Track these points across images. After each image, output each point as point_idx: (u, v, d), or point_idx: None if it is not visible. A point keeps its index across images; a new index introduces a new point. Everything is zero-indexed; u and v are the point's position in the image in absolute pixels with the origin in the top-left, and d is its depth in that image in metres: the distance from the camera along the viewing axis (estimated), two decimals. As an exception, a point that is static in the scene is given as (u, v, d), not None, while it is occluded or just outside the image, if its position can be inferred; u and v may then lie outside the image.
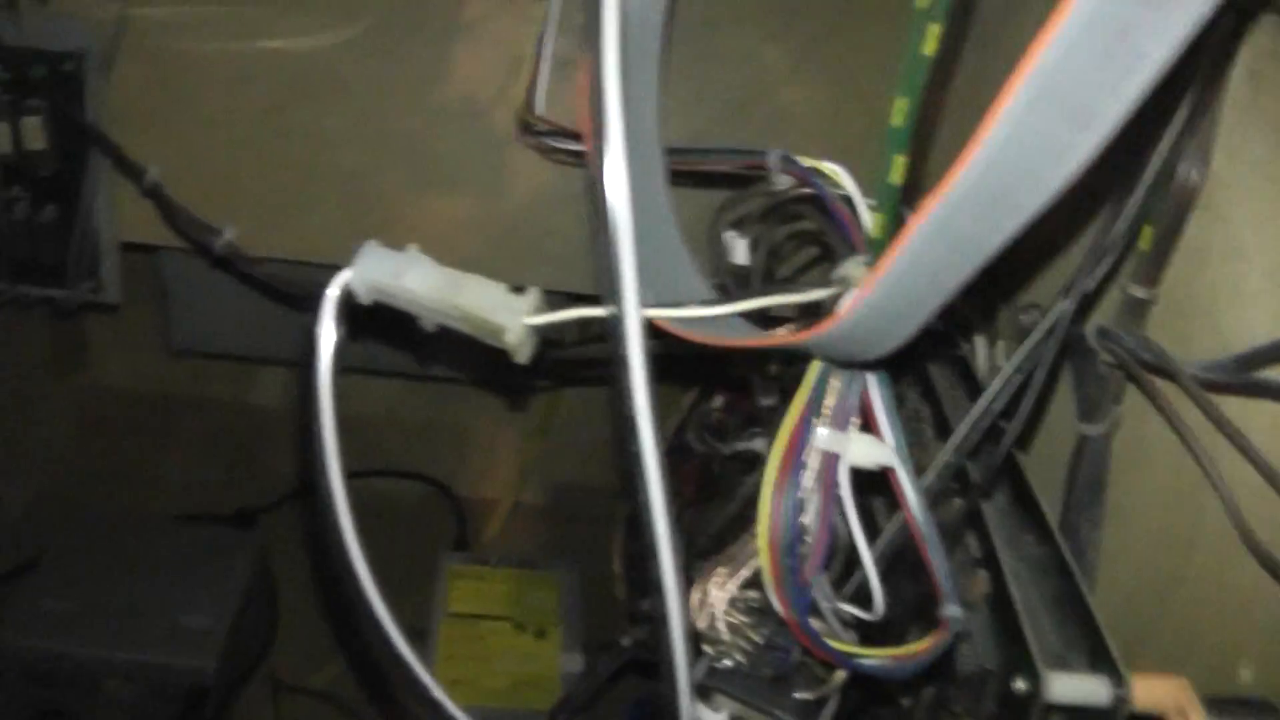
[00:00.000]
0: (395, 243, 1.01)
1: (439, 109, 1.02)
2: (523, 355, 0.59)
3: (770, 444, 0.58)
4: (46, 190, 1.01)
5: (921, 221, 0.42)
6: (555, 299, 0.59)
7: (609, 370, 0.50)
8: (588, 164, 0.52)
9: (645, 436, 0.49)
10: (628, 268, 0.50)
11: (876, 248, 0.61)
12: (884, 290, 0.46)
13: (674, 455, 1.08)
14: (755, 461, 0.85)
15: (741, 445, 0.90)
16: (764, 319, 0.62)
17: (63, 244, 1.02)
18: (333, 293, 0.58)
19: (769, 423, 0.77)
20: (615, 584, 1.34)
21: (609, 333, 0.50)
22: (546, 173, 1.01)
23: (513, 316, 0.58)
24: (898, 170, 0.56)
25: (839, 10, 0.99)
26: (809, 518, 0.59)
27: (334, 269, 1.02)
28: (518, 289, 0.60)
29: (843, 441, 0.58)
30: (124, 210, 1.03)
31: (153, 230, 1.03)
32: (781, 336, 0.59)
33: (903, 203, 0.58)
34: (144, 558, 1.27)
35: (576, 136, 0.74)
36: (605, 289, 0.49)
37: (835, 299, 0.59)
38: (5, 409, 1.45)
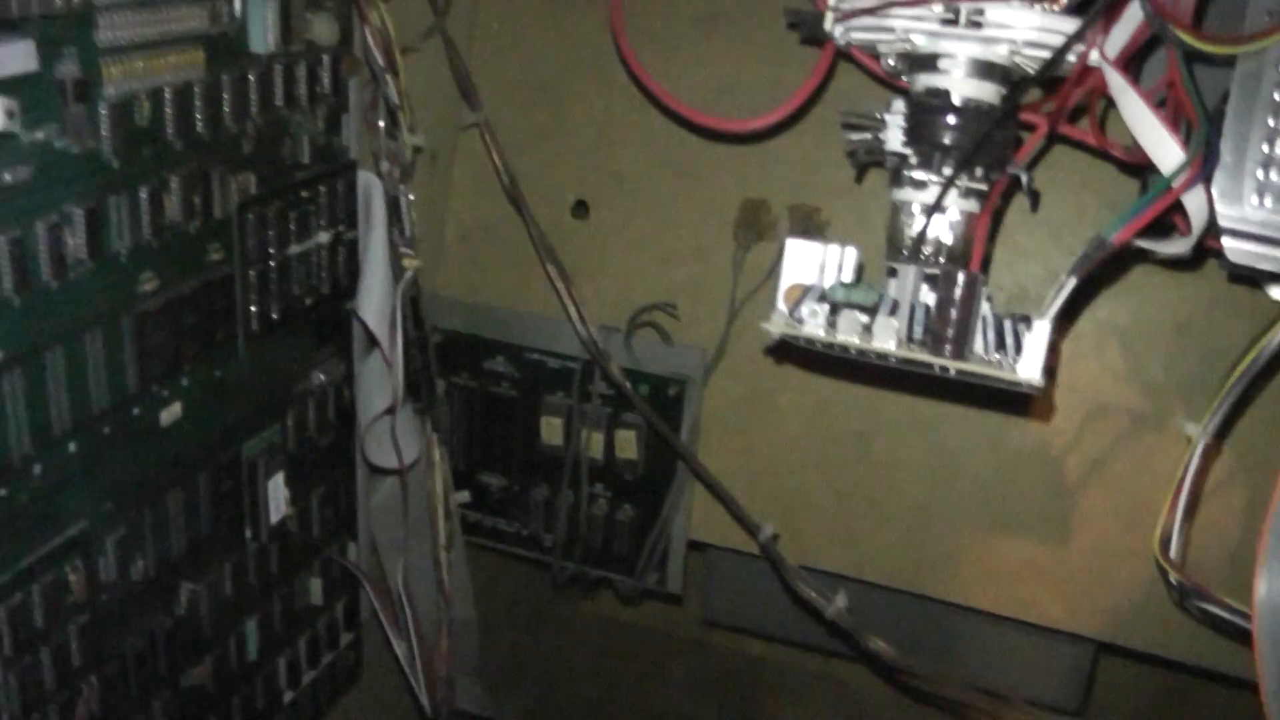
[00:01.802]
0: (954, 575, 1.03)
1: (1014, 452, 0.99)
2: None
3: None
4: (628, 492, 1.05)
5: None
6: None
7: None
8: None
9: None
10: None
11: None
12: None
13: None
14: None
15: None
16: None
17: (636, 540, 1.06)
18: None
19: None
20: None
21: None
22: (1110, 525, 0.97)
23: None
24: None
25: None
26: None
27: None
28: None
29: None
30: (695, 512, 1.06)
31: (719, 533, 1.06)
32: None
33: None
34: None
35: (1223, 604, 0.68)
36: None
37: None
38: (522, 625, 1.52)
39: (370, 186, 0.84)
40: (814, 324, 0.66)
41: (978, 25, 0.66)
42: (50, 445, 0.62)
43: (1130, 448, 0.96)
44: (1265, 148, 0.66)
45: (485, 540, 1.10)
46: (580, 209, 1.05)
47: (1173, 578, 0.71)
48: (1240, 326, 0.88)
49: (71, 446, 0.64)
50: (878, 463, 1.02)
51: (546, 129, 1.05)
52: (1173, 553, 0.72)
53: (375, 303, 0.83)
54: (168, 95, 0.66)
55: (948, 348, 0.64)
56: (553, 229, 1.02)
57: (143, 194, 0.65)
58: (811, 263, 0.69)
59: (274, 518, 0.83)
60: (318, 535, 0.90)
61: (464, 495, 1.06)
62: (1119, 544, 0.97)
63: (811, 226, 0.99)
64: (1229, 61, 0.66)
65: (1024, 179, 0.69)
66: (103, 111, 0.62)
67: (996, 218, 0.80)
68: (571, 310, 0.96)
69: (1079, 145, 0.79)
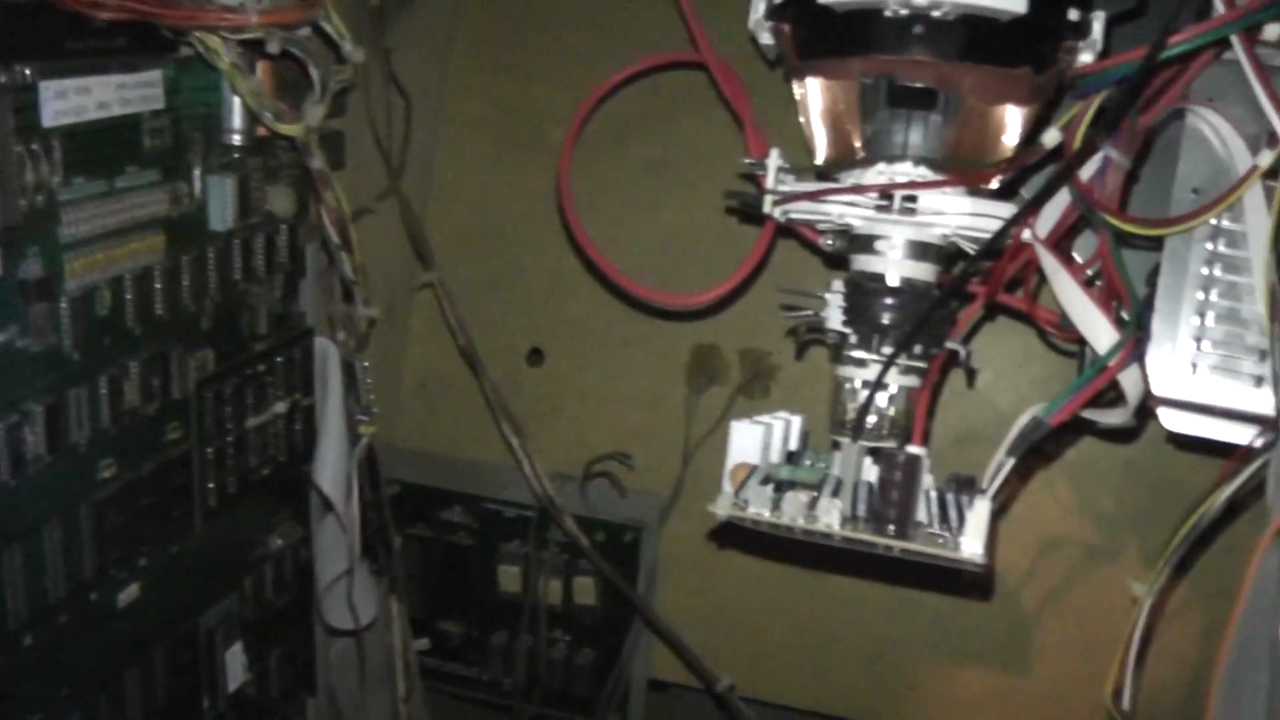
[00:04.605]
0: (915, 707, 1.03)
1: (970, 585, 1.00)
2: None
3: None
4: (587, 636, 1.06)
5: None
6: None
7: None
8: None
9: None
10: None
11: None
12: None
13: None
14: None
15: None
16: None
17: (596, 682, 1.06)
18: None
19: None
20: None
21: None
22: (1068, 655, 0.99)
23: None
24: None
25: None
26: None
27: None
28: None
29: None
30: (657, 652, 1.06)
31: (680, 673, 1.06)
32: None
33: None
34: None
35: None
36: None
37: None
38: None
39: (327, 353, 0.85)
40: (759, 505, 0.67)
41: (911, 211, 0.68)
42: (5, 640, 0.62)
43: (1084, 579, 0.98)
44: (1196, 321, 0.69)
45: (446, 686, 1.10)
46: (535, 357, 1.07)
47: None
48: (1188, 460, 0.90)
49: (28, 640, 0.63)
50: (836, 597, 1.03)
51: (501, 278, 1.07)
52: (1125, 705, 0.73)
53: (331, 469, 0.84)
54: (128, 282, 0.67)
55: (890, 528, 0.65)
56: (508, 377, 1.04)
57: (102, 383, 0.66)
58: (756, 441, 0.70)
59: (232, 686, 0.82)
60: (276, 696, 0.89)
61: (423, 643, 1.06)
62: (1077, 673, 0.98)
63: (762, 371, 1.01)
64: (1158, 241, 0.69)
65: (962, 354, 0.71)
66: (64, 306, 0.62)
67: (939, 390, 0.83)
68: (524, 462, 0.97)
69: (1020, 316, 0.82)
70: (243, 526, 0.82)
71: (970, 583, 0.99)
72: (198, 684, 0.79)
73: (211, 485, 0.76)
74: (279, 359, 0.81)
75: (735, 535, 1.01)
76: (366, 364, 0.86)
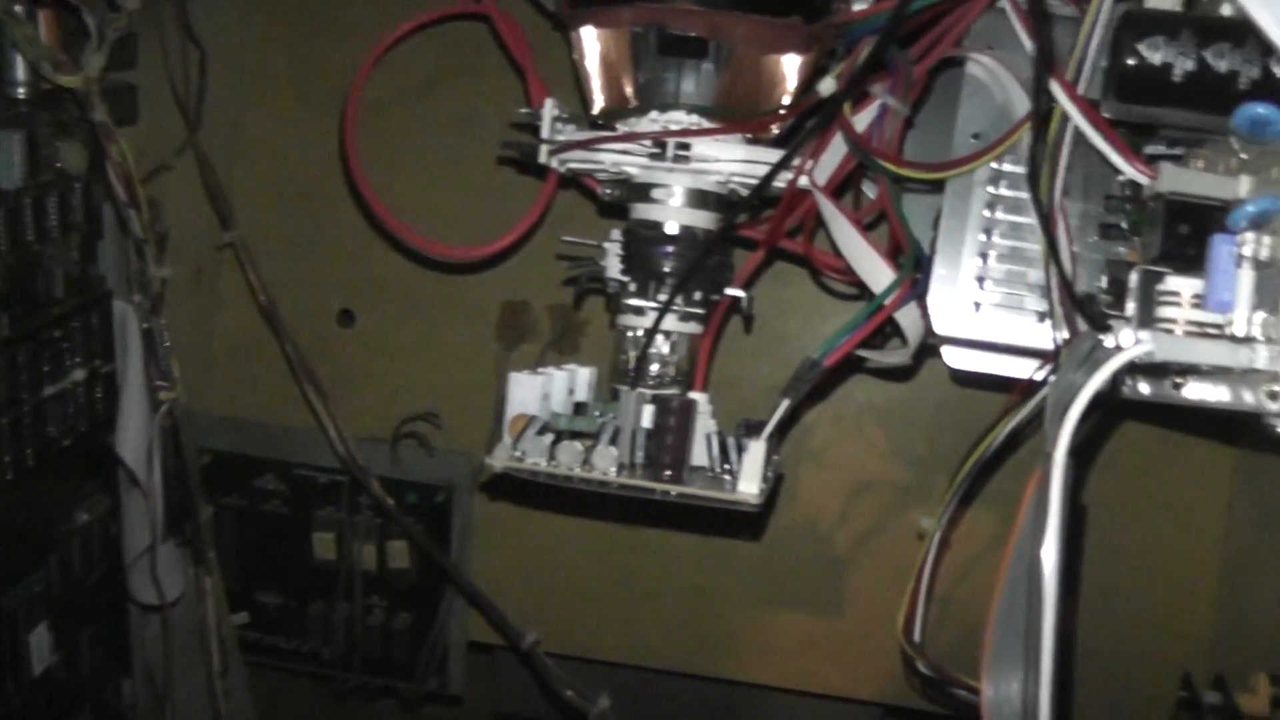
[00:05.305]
0: (733, 653, 1.06)
1: (784, 530, 1.03)
2: None
3: None
4: (404, 601, 1.05)
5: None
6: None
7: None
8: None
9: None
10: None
11: None
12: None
13: None
14: None
15: None
16: None
17: (415, 646, 1.06)
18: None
19: None
20: None
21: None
22: (883, 592, 1.02)
23: None
24: None
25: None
26: None
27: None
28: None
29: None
30: (475, 614, 1.06)
31: (494, 633, 1.07)
32: None
33: None
34: None
35: (967, 687, 0.72)
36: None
37: None
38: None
39: (126, 316, 0.83)
40: (535, 455, 0.67)
41: (685, 159, 0.69)
42: None
43: (898, 519, 1.02)
44: (978, 262, 0.72)
45: (267, 659, 1.08)
46: (345, 318, 1.06)
47: (919, 665, 0.75)
48: (999, 400, 0.94)
49: None
50: (650, 549, 1.05)
51: (310, 238, 1.05)
52: (916, 637, 0.76)
53: (132, 438, 0.82)
54: (-93, 246, 0.64)
55: (666, 473, 0.66)
56: (318, 340, 1.03)
57: (-116, 352, 0.63)
58: (535, 392, 0.71)
59: (37, 669, 0.79)
60: (88, 677, 0.87)
61: (243, 616, 1.04)
62: (892, 609, 1.00)
63: (572, 326, 1.02)
64: (938, 184, 0.72)
65: (743, 301, 0.73)
66: None
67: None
68: (329, 426, 0.97)
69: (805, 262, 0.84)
70: (45, 500, 0.80)
71: (784, 528, 1.02)
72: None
73: (8, 457, 0.73)
74: (76, 323, 0.79)
75: (548, 493, 1.02)
76: (165, 326, 0.83)
